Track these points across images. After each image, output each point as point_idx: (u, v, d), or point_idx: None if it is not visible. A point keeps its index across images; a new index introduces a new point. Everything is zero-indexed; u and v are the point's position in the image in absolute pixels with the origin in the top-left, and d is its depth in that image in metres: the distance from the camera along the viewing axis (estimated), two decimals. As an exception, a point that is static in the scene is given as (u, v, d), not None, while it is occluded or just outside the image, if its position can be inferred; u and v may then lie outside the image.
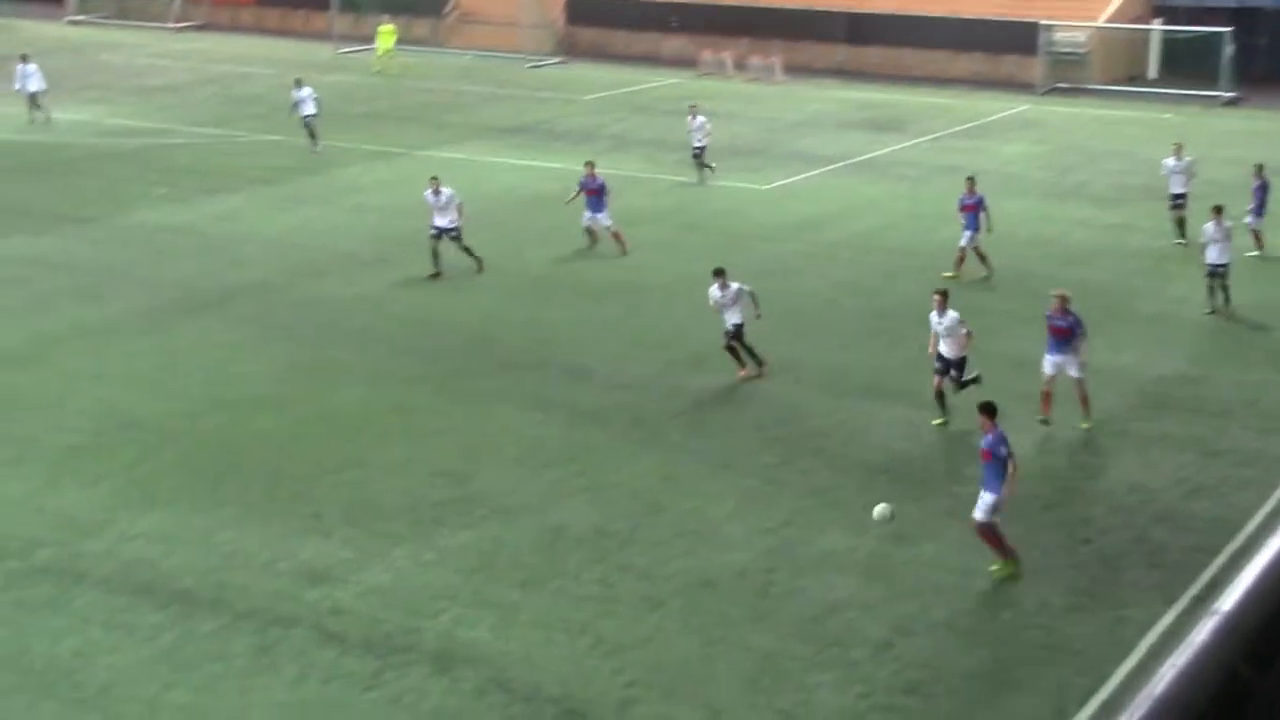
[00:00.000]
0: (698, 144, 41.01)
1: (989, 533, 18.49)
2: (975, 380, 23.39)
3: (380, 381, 25.79)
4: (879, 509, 18.82)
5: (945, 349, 23.24)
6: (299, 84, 46.04)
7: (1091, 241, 35.36)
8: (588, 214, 34.20)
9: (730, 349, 25.57)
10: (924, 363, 23.54)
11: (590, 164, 34.86)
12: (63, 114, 50.90)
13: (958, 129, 49.79)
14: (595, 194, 34.05)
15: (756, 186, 41.18)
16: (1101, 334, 27.44)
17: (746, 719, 15.69)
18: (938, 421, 23.26)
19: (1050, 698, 16.17)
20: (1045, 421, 23.14)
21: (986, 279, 31.51)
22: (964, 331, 23.17)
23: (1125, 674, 16.46)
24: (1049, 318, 23.32)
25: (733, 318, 25.49)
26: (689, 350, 27.00)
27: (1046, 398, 23.15)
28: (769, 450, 22.74)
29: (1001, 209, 37.26)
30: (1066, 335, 23.09)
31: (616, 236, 34.18)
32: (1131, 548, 19.65)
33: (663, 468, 22.20)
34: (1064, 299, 23.26)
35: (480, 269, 32.03)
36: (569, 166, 41.72)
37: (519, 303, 30.30)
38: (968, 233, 31.52)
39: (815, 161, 44.40)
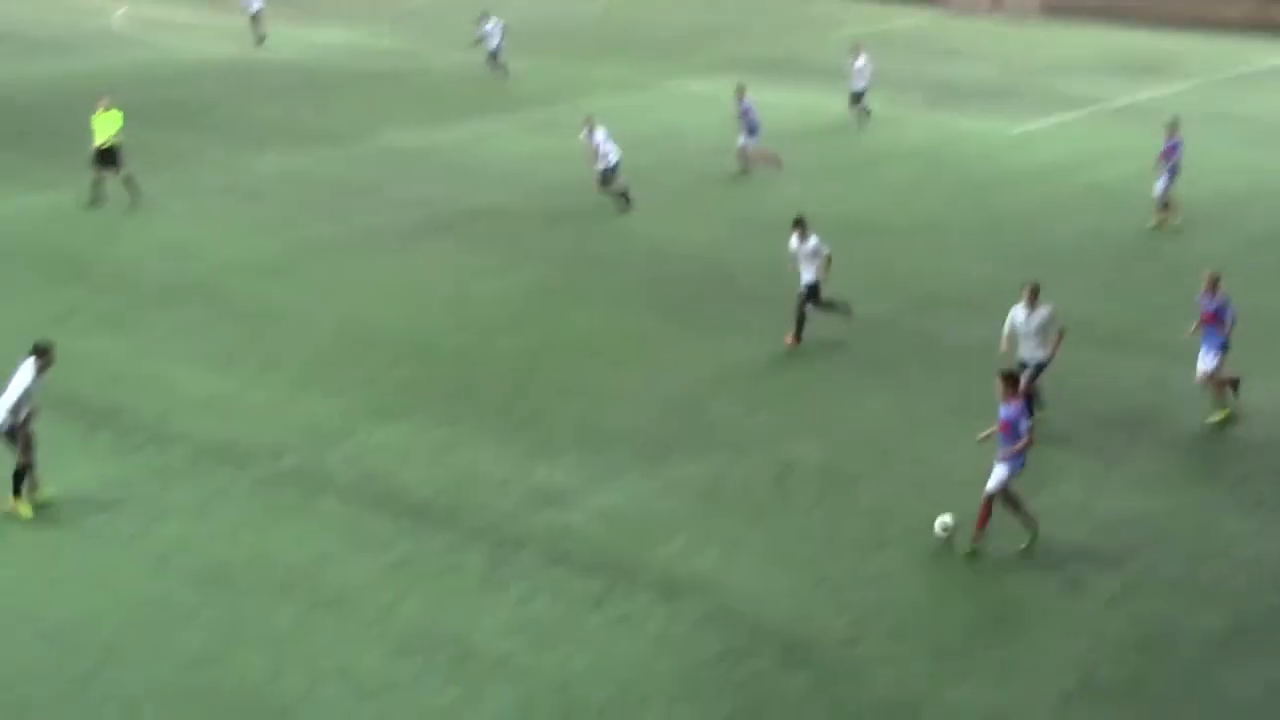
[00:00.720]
0: (857, 87, 40.21)
1: (988, 508, 17.63)
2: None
3: (616, 309, 26.00)
4: (940, 520, 17.81)
5: (1026, 350, 20.59)
6: (485, 16, 46.60)
7: (1364, 199, 33.84)
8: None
9: (801, 310, 24.20)
10: (1170, 314, 22.78)
11: (741, 88, 35.58)
12: (323, 35, 52.22)
13: (1225, 76, 47.97)
14: (742, 117, 35.18)
15: (1005, 129, 40.31)
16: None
17: (970, 663, 15.51)
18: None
19: (1290, 665, 15.64)
20: (1224, 415, 21.51)
21: (1156, 227, 30.82)
22: (1056, 330, 20.52)
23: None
24: (1199, 302, 21.40)
25: (806, 275, 24.11)
26: (926, 291, 26.65)
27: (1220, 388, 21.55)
28: (1006, 397, 22.30)
29: (1272, 162, 35.94)
30: (1212, 321, 21.23)
31: (746, 156, 35.35)
32: (1385, 516, 18.85)
33: (895, 408, 21.98)
34: (1213, 279, 21.25)
35: (626, 207, 31.90)
36: (818, 102, 41.41)
37: (757, 237, 30.19)
38: (1164, 179, 30.62)
39: (1068, 105, 43.25)
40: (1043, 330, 20.44)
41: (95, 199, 31.94)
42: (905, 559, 17.53)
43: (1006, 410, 17.60)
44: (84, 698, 14.79)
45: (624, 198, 32.03)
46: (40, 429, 19.83)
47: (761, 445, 20.61)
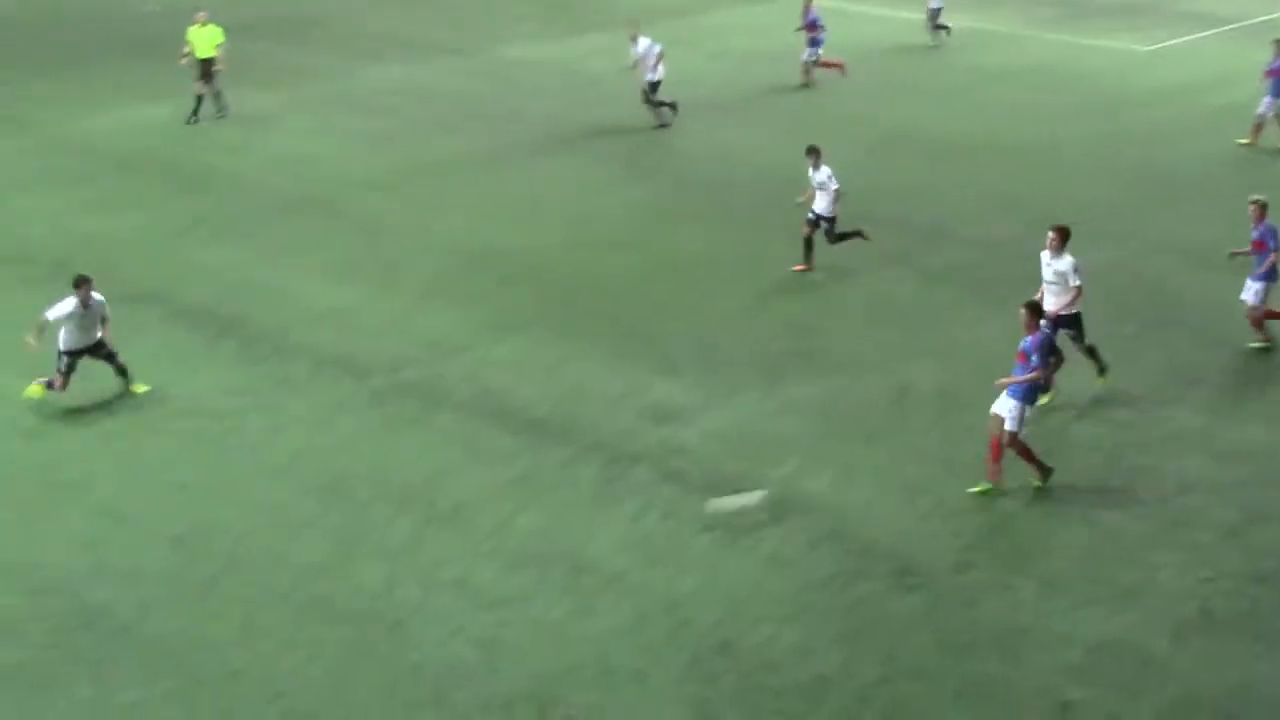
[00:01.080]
0: (933, 4, 39.42)
1: (1020, 446, 17.10)
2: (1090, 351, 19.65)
3: (732, 228, 25.91)
4: (740, 499, 16.77)
5: (1048, 300, 19.05)
6: None
7: None
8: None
9: (807, 240, 23.70)
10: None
11: None
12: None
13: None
14: (808, 28, 34.97)
15: (1136, 47, 39.42)
16: None
17: (1082, 593, 15.41)
18: (1102, 379, 19.74)
19: None
20: (1267, 346, 20.94)
21: None
22: (1075, 284, 19.03)
23: None
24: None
25: (819, 205, 23.56)
26: (1046, 213, 26.10)
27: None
28: (1125, 320, 22.01)
29: None
30: (1260, 250, 20.64)
31: (808, 69, 35.25)
32: None
33: (1011, 332, 21.60)
34: (1257, 206, 20.67)
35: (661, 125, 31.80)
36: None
37: (875, 157, 29.90)
38: (1267, 99, 29.95)
39: (1206, 22, 42.12)
40: (1062, 279, 19.08)
41: (220, 110, 32.29)
42: (1019, 485, 17.37)
43: (1026, 342, 17.16)
44: (206, 601, 15.18)
45: (666, 110, 31.86)
46: (167, 337, 20.36)
47: (876, 367, 20.52)
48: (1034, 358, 17.06)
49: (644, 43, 31.76)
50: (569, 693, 13.87)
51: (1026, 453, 17.26)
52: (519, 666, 14.22)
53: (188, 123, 31.95)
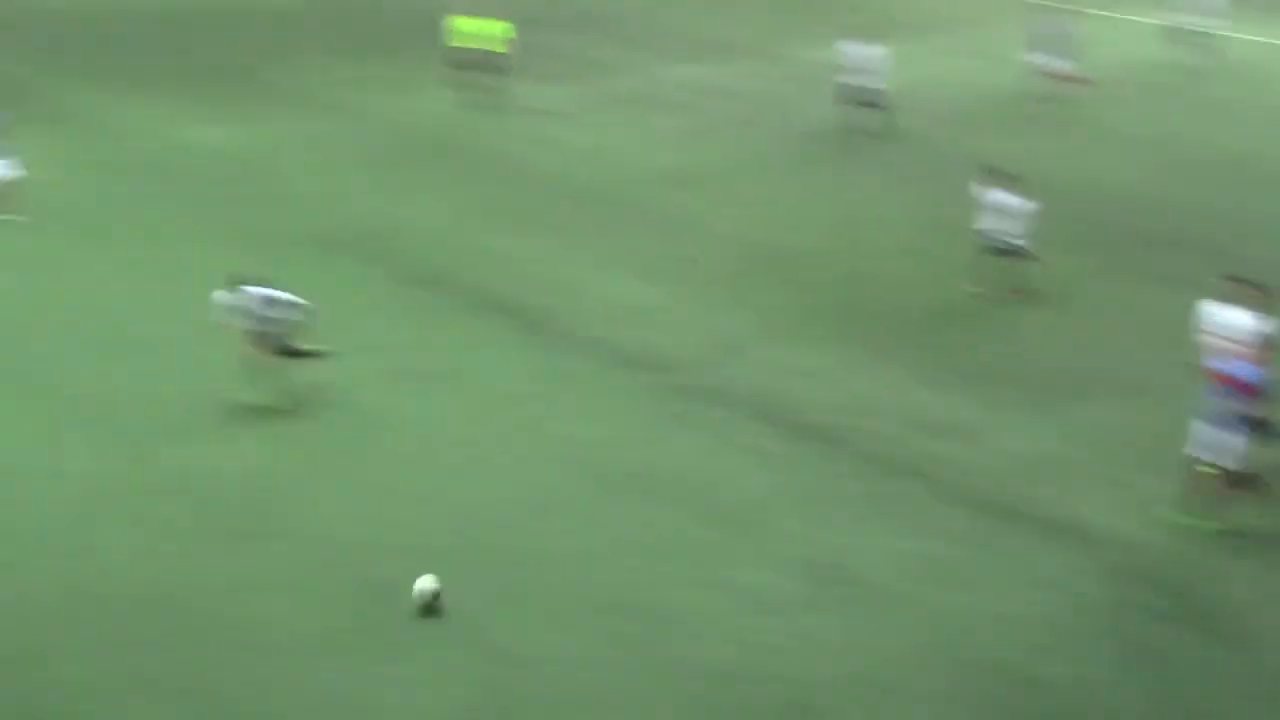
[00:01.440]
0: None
1: (1239, 485, 15.85)
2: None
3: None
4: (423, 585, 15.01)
5: (1229, 363, 16.45)
6: None
7: None
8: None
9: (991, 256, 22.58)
10: None
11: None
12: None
13: None
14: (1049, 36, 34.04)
15: None
16: None
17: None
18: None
19: None
20: None
21: None
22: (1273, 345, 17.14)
23: None
24: None
25: (1001, 229, 22.35)
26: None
27: None
28: None
29: None
30: None
31: (1058, 77, 33.77)
32: None
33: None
34: None
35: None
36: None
37: (1179, 178, 28.92)
38: None
39: None
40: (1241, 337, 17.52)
41: (503, 100, 32.80)
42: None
43: (1251, 371, 16.08)
44: (481, 582, 15.33)
45: (877, 115, 31.11)
46: (456, 322, 20.87)
47: (1158, 391, 19.76)
48: (1264, 387, 15.99)
49: (868, 50, 31.30)
50: (831, 704, 13.73)
51: (1237, 489, 16.20)
52: (781, 673, 14.14)
53: (470, 108, 32.60)
